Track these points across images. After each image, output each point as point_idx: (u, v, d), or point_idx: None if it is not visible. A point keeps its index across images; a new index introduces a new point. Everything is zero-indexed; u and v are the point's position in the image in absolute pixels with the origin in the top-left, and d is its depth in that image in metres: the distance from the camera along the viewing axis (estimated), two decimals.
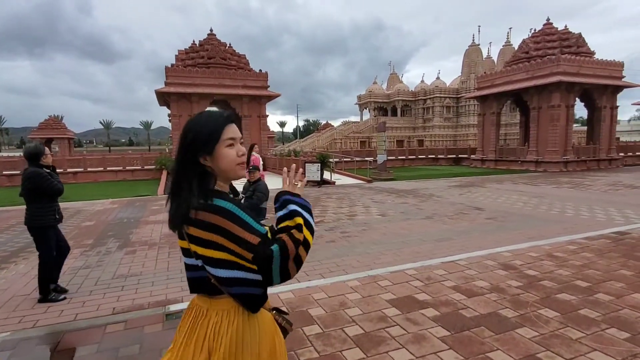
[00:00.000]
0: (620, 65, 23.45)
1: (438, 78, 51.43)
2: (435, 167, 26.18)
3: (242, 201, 5.61)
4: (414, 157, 29.86)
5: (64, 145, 41.32)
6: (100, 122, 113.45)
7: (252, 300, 1.17)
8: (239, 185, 6.55)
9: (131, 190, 15.17)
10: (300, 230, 1.15)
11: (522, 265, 4.68)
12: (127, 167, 22.24)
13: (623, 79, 23.71)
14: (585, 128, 28.60)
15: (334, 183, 15.77)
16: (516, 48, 27.55)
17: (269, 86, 23.56)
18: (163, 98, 22.54)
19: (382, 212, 8.73)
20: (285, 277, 1.14)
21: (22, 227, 6.10)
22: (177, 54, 23.58)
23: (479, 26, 49.46)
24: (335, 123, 57.01)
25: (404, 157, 29.29)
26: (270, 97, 23.78)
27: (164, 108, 26.57)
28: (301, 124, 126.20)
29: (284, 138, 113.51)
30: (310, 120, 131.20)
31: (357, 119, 56.47)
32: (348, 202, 10.61)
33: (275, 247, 1.11)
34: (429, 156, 30.50)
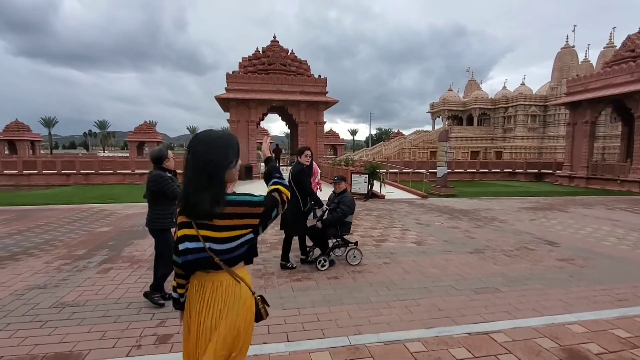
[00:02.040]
0: None
1: (523, 84, 46.40)
2: (510, 184, 22.99)
3: (325, 214, 5.30)
4: (487, 170, 26.74)
5: (153, 148, 45.24)
6: (187, 128, 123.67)
7: (254, 249, 1.67)
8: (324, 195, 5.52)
9: None
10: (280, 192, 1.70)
11: (603, 356, 2.96)
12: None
13: None
14: None
15: (383, 197, 14.22)
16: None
17: (327, 92, 22.73)
18: (225, 104, 22.90)
19: (419, 239, 7.13)
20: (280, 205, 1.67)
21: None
22: (240, 61, 23.90)
23: (575, 26, 43.70)
24: (409, 132, 54.48)
25: (474, 170, 26.38)
26: (328, 104, 22.91)
27: None
28: (374, 132, 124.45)
29: (354, 146, 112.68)
30: (383, 129, 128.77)
31: (431, 128, 53.40)
32: (387, 221, 9.11)
33: (275, 211, 1.64)
34: (505, 170, 27.11)
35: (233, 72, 21.81)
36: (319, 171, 10.87)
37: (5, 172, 21.13)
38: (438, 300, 4.10)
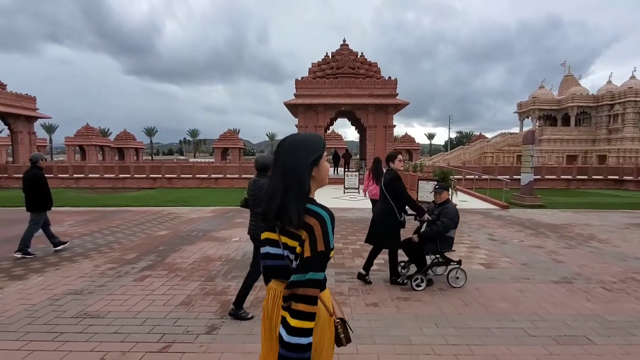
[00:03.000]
0: None
1: (633, 77, 39.83)
2: (616, 193, 19.51)
3: (424, 227, 4.87)
4: (586, 177, 23.13)
5: (235, 154, 48.88)
6: (267, 134, 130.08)
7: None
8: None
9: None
10: (313, 318, 1.36)
11: None
12: None
13: None
14: None
15: (455, 206, 12.84)
16: None
17: (397, 94, 21.68)
18: (294, 110, 23.15)
19: (489, 261, 6.01)
20: (296, 285, 1.35)
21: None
22: (310, 66, 24.02)
23: None
24: (492, 135, 50.34)
25: (569, 177, 23.00)
26: (399, 106, 21.83)
27: None
28: (453, 135, 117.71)
29: (431, 151, 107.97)
30: (463, 132, 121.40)
31: (518, 130, 48.58)
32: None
33: (323, 275, 1.41)
34: (610, 177, 23.18)
35: (302, 78, 21.94)
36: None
37: (105, 175, 23.85)
38: (501, 350, 3.17)
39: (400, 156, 4.88)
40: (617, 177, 23.16)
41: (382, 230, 4.71)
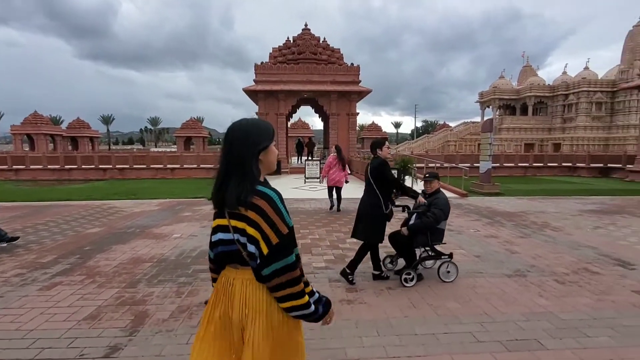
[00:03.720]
0: None
1: (587, 68, 41.61)
2: (570, 180, 20.26)
3: (413, 217, 4.56)
4: (542, 164, 23.93)
5: (199, 143, 47.18)
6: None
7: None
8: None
9: (200, 189, 14.75)
10: (302, 295, 1.42)
11: None
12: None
13: None
14: None
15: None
16: None
17: (360, 81, 21.28)
18: (254, 97, 22.23)
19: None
20: (272, 277, 1.34)
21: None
22: (271, 51, 23.09)
23: None
24: (456, 124, 51.45)
25: (526, 165, 23.70)
26: (362, 94, 21.47)
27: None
28: (420, 124, 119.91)
29: (398, 139, 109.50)
30: (429, 121, 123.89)
31: (480, 119, 49.84)
32: None
33: (296, 250, 1.41)
34: (564, 164, 24.12)
35: (262, 63, 21.04)
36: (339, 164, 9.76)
37: (49, 167, 22.04)
38: None
39: (387, 143, 4.52)
40: (570, 164, 24.12)
41: (368, 223, 4.33)
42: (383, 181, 4.28)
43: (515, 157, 24.73)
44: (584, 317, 3.55)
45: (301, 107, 26.99)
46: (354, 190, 14.51)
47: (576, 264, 5.23)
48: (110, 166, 21.95)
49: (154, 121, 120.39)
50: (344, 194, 9.97)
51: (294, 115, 27.53)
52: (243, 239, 1.36)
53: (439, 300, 3.95)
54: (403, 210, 4.75)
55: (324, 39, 22.88)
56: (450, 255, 4.61)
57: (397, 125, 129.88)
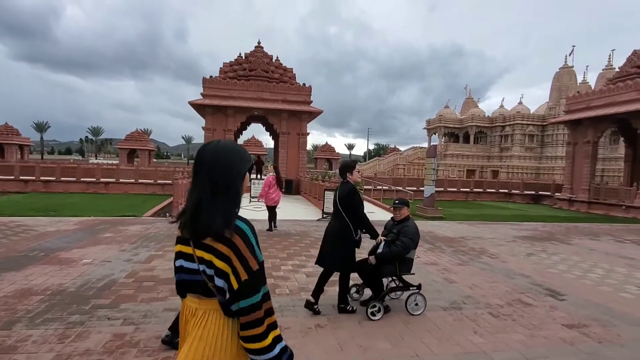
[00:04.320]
0: None
1: (520, 103, 45.28)
2: (506, 206, 21.40)
3: (381, 246, 4.28)
4: (481, 190, 25.16)
5: (145, 156, 44.47)
6: (182, 137, 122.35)
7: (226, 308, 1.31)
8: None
9: (134, 207, 13.57)
10: (264, 337, 1.29)
11: None
12: (159, 181, 21.33)
13: None
14: None
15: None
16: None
17: (311, 101, 21.27)
18: (202, 111, 21.35)
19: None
20: (239, 314, 1.27)
21: None
22: (222, 66, 22.47)
23: (574, 46, 43.02)
24: (405, 148, 53.45)
25: (468, 190, 24.79)
26: (312, 114, 21.44)
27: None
28: (372, 147, 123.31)
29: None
30: (381, 145, 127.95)
31: (427, 145, 52.09)
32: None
33: (264, 289, 1.32)
34: (501, 191, 25.54)
35: (211, 77, 20.37)
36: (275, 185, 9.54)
37: None
38: None
39: (357, 166, 4.26)
40: (507, 190, 25.59)
41: (335, 250, 4.09)
42: (351, 212, 4.06)
43: (458, 182, 25.82)
44: (517, 357, 3.35)
45: (252, 124, 26.49)
46: (298, 211, 14.14)
47: (510, 294, 5.16)
48: (34, 178, 19.78)
49: (96, 131, 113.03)
50: (284, 215, 9.59)
51: (244, 132, 26.85)
52: (210, 271, 1.29)
53: (370, 339, 3.59)
54: (371, 237, 4.44)
55: (277, 57, 22.75)
56: (419, 287, 4.38)
57: (350, 147, 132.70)
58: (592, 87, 38.71)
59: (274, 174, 9.86)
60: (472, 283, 5.61)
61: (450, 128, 48.61)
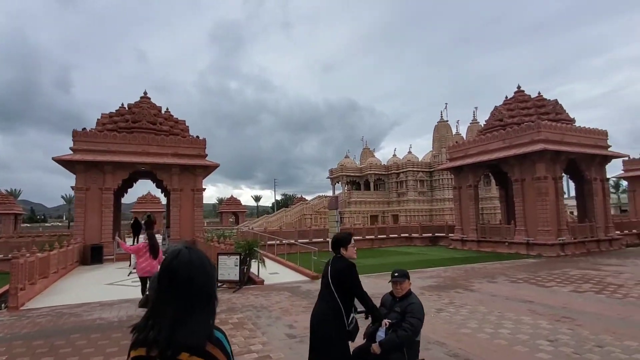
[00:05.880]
0: (605, 133, 21.12)
1: (410, 152, 49.73)
2: (408, 250, 21.92)
3: (381, 329, 3.51)
4: (385, 236, 25.67)
5: (9, 222, 37.33)
6: (62, 197, 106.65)
7: None
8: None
9: None
10: None
11: None
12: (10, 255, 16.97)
13: (609, 149, 21.24)
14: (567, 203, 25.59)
15: (262, 282, 11.09)
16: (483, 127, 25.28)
17: (206, 155, 19.73)
18: (72, 167, 18.11)
19: None
20: None
21: None
22: (99, 117, 19.79)
23: (446, 104, 49.61)
24: (312, 197, 53.80)
25: (372, 237, 25.05)
26: (208, 168, 19.82)
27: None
28: (280, 197, 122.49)
29: (258, 212, 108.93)
30: (288, 195, 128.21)
31: (331, 193, 53.20)
32: (245, 334, 5.98)
33: None
34: (402, 235, 26.39)
35: (83, 129, 17.64)
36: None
37: None
38: None
39: (353, 240, 3.56)
40: (407, 234, 26.55)
41: (324, 342, 3.30)
42: (349, 290, 3.35)
43: (363, 230, 26.03)
44: None
45: (145, 181, 23.60)
46: None
47: None
48: None
49: None
50: None
51: (130, 190, 23.67)
52: None
53: None
54: (367, 317, 3.56)
55: (167, 109, 20.99)
56: None
57: (257, 198, 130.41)
58: (464, 138, 44.52)
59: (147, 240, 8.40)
60: None
61: (351, 176, 50.70)
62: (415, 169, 45.27)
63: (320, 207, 46.82)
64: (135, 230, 23.11)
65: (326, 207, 46.25)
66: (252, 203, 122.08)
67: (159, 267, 8.12)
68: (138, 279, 9.76)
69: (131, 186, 22.96)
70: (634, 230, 24.61)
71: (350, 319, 3.39)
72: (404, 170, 45.61)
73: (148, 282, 8.25)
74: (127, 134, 18.18)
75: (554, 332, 5.92)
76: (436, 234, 26.09)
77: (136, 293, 9.93)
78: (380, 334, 3.53)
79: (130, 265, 13.44)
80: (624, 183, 50.98)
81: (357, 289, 3.44)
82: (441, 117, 48.81)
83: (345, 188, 50.76)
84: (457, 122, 52.35)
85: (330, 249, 3.70)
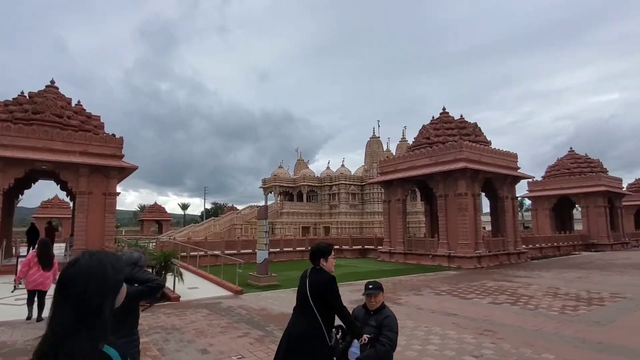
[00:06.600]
0: (515, 156, 23.24)
1: (343, 165, 50.68)
2: (339, 262, 21.76)
3: (355, 345, 3.23)
4: None
5: None
6: None
7: None
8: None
9: None
10: None
11: None
12: None
13: (518, 171, 23.40)
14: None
15: (177, 298, 9.92)
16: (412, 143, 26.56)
17: (123, 155, 17.77)
18: None
19: None
20: None
21: None
22: None
23: (378, 121, 51.91)
24: (243, 207, 51.93)
25: (304, 249, 24.58)
26: (124, 170, 17.84)
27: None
28: (210, 206, 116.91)
29: (185, 221, 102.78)
30: (219, 204, 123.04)
31: (263, 203, 51.91)
32: None
33: None
34: (334, 247, 26.29)
35: None
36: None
37: None
38: None
39: (333, 252, 3.49)
40: (338, 246, 26.51)
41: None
42: (328, 305, 3.19)
43: (294, 241, 25.47)
44: None
45: (44, 182, 20.55)
46: None
47: None
48: None
49: None
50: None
51: (25, 191, 20.48)
52: None
53: None
54: (337, 333, 3.30)
55: (79, 101, 18.64)
56: None
57: (184, 206, 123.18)
58: (394, 154, 46.54)
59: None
60: None
61: (285, 187, 50.11)
62: (347, 182, 46.07)
63: (252, 217, 45.35)
64: (32, 238, 19.98)
65: (256, 217, 45.08)
66: (179, 211, 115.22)
67: (53, 278, 6.94)
68: (24, 295, 8.25)
69: (29, 187, 19.91)
70: (537, 245, 27.36)
71: (331, 338, 3.23)
72: (337, 183, 46.19)
73: (36, 296, 7.69)
74: (25, 125, 15.67)
75: (479, 346, 5.86)
76: (366, 247, 26.42)
77: (17, 313, 8.27)
78: (354, 350, 3.26)
79: (15, 279, 11.30)
80: (527, 202, 57.40)
81: (338, 304, 3.27)
82: (373, 133, 50.58)
83: (278, 198, 49.99)
84: (388, 139, 54.97)
85: (308, 258, 3.51)
